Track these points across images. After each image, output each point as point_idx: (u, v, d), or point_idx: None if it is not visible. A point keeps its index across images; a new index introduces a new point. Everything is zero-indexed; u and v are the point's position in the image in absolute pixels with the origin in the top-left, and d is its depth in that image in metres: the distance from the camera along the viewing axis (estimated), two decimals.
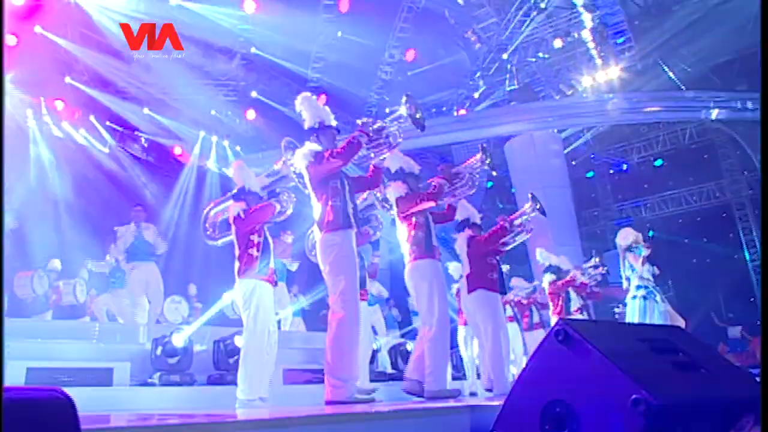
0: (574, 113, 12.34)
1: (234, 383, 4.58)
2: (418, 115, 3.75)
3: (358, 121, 3.78)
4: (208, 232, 4.49)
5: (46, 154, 8.74)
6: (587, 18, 11.30)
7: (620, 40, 11.78)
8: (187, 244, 10.56)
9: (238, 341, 4.95)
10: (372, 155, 3.85)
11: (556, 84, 12.64)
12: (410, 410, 2.62)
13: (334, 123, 3.85)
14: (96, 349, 4.90)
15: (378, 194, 4.59)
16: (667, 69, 12.55)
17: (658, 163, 15.62)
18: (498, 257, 5.04)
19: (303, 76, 11.63)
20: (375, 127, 3.78)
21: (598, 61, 11.98)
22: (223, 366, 5.01)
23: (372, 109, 12.41)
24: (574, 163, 14.73)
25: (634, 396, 1.86)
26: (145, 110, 10.48)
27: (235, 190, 4.16)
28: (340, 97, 11.16)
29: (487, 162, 4.53)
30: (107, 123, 9.90)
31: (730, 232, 14.64)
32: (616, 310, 13.67)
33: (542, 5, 10.71)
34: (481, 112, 12.58)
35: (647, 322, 5.49)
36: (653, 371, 2.02)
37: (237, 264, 3.93)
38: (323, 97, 12.00)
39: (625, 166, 15.99)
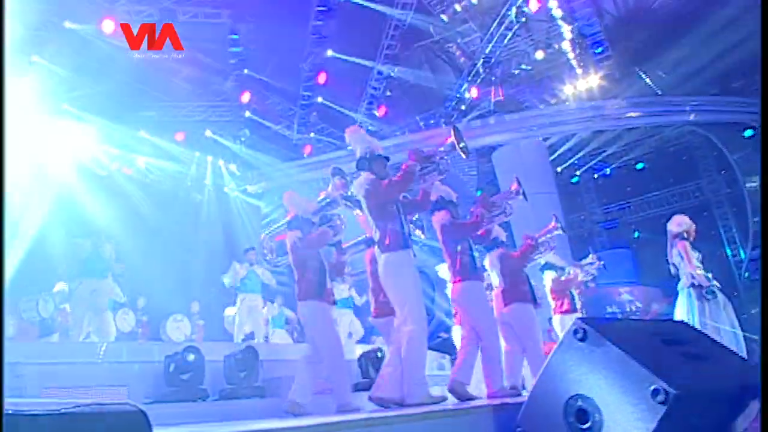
0: (558, 121, 12.65)
1: (246, 397, 4.93)
2: (461, 144, 4.03)
3: (409, 151, 4.08)
4: (267, 257, 4.98)
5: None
6: (566, 30, 11.64)
7: (598, 50, 12.13)
8: (186, 263, 10.58)
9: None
10: (422, 181, 4.10)
11: (539, 94, 12.97)
12: (435, 411, 2.76)
13: (383, 152, 4.13)
14: (109, 368, 4.96)
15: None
16: (643, 76, 12.94)
17: (640, 166, 16.02)
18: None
19: (295, 95, 11.81)
20: (425, 155, 4.07)
21: (579, 71, 12.32)
22: (235, 380, 5.10)
23: (363, 124, 12.61)
24: (559, 169, 15.06)
25: (653, 387, 2.00)
26: (142, 132, 10.55)
27: (289, 218, 4.39)
28: (330, 114, 11.34)
29: (522, 191, 4.96)
30: (104, 147, 9.93)
31: (712, 230, 15.03)
32: (609, 309, 13.90)
33: (523, 19, 11.03)
34: (469, 124, 12.82)
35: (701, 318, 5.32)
36: (668, 363, 2.17)
37: (296, 288, 4.20)
38: (314, 114, 12.22)
39: (608, 171, 16.37)
